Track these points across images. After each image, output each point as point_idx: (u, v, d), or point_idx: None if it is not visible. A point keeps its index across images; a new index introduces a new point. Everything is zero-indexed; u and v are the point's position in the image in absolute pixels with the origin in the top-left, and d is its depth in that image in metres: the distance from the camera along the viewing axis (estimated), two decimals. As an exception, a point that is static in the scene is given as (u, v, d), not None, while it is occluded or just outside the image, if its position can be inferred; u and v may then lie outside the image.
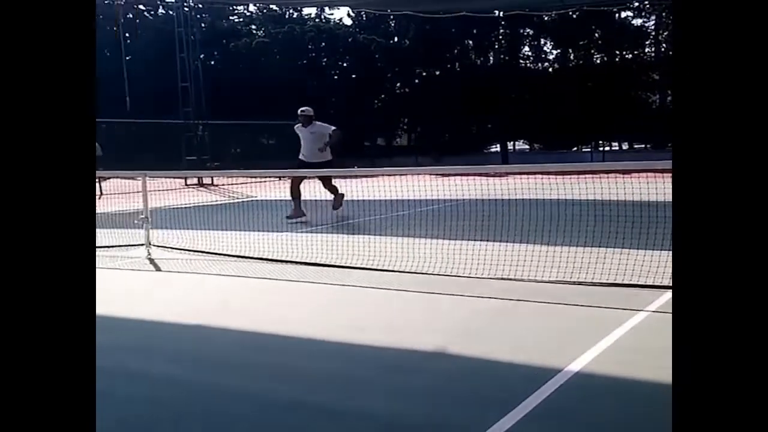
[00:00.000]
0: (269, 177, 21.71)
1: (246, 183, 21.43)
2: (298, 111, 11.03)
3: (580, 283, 5.34)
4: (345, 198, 10.64)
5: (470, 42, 35.85)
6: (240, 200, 16.43)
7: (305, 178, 10.79)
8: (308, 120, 10.83)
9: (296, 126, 11.09)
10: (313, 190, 10.95)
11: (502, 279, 5.64)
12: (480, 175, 12.79)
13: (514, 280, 5.60)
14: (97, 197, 15.55)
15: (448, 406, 3.18)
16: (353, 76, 36.93)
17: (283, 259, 7.12)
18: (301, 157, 10.84)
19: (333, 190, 10.74)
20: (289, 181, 11.27)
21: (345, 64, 37.74)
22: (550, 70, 35.58)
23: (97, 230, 9.43)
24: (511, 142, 37.90)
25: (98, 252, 8.08)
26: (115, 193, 15.39)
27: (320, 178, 10.65)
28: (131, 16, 35.48)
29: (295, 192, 10.56)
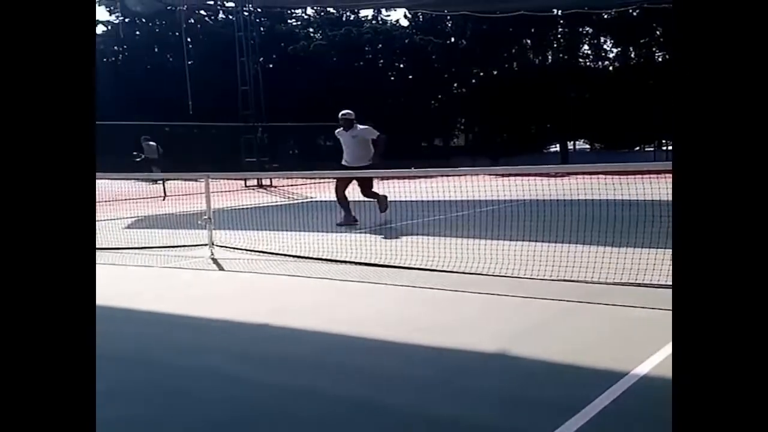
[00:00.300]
0: (327, 178, 21.89)
1: (304, 184, 21.66)
2: (339, 115, 10.63)
3: (641, 285, 5.23)
4: (404, 199, 10.57)
5: (528, 41, 35.52)
6: (298, 201, 16.63)
7: (350, 182, 10.38)
8: (350, 123, 10.45)
9: (337, 131, 10.71)
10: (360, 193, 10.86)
11: (563, 280, 5.57)
12: (539, 175, 12.63)
13: (575, 281, 5.53)
14: (161, 198, 15.95)
15: (512, 409, 3.16)
16: (410, 77, 36.99)
17: (343, 259, 7.18)
18: (344, 162, 10.51)
19: (374, 195, 10.42)
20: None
21: (401, 65, 37.83)
22: (611, 68, 34.98)
23: (163, 230, 9.69)
24: (571, 142, 37.39)
25: (164, 251, 8.29)
26: (178, 195, 15.74)
27: (360, 185, 10.30)
28: (193, 21, 36.27)
29: (342, 198, 10.27)
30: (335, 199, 10.36)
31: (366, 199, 10.42)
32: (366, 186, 10.35)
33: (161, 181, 17.95)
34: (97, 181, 14.72)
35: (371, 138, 10.38)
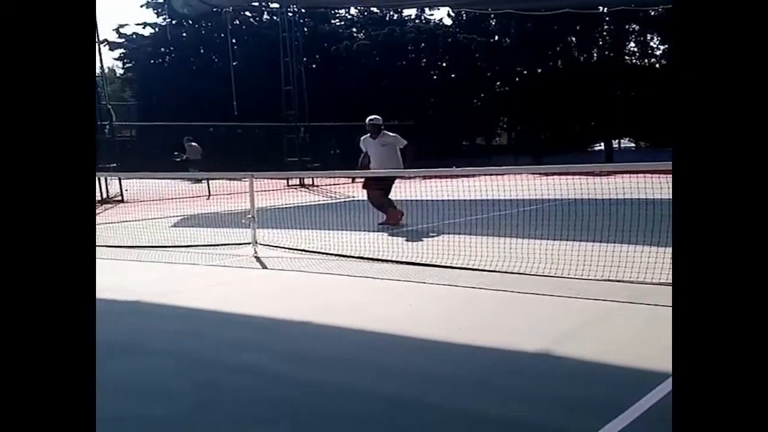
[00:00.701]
0: (367, 178, 21.91)
1: (346, 183, 21.75)
2: (367, 120, 10.16)
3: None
4: (446, 198, 10.40)
5: (573, 39, 35.06)
6: (340, 200, 16.70)
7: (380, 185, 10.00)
8: (378, 130, 10.07)
9: (363, 138, 10.24)
10: (406, 192, 10.83)
11: (607, 281, 5.50)
12: (583, 174, 12.46)
13: (619, 281, 5.45)
14: (205, 198, 16.20)
15: (554, 408, 3.14)
16: (452, 75, 36.85)
17: (385, 258, 7.19)
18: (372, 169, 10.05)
19: (388, 203, 10.01)
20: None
21: (444, 64, 37.72)
22: (657, 65, 34.30)
23: (207, 229, 9.84)
24: (616, 140, 36.81)
25: (208, 250, 8.42)
26: (222, 194, 15.97)
27: (384, 190, 9.90)
28: (238, 22, 36.69)
29: (378, 201, 10.03)
30: (372, 205, 10.14)
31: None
32: (387, 192, 9.99)
33: (205, 180, 18.29)
34: (146, 181, 14.94)
35: (399, 147, 10.04)
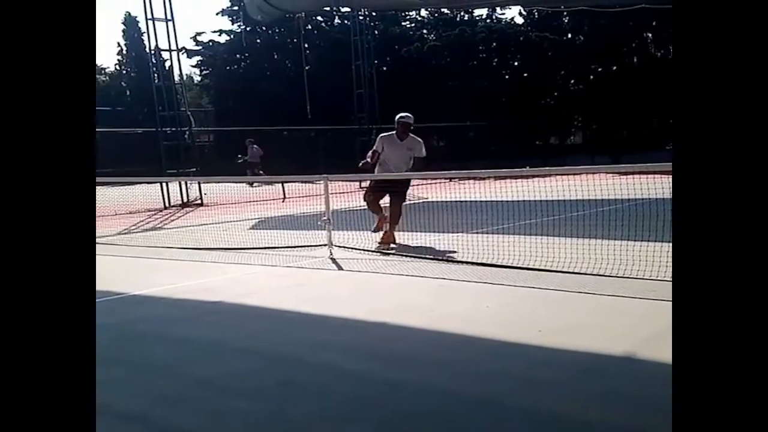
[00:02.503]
0: (440, 179, 21.89)
1: (417, 185, 21.70)
2: (399, 117, 8.69)
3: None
4: (520, 199, 10.29)
5: (649, 35, 34.14)
6: (412, 202, 16.69)
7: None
8: (408, 131, 8.66)
9: (386, 135, 8.85)
10: (479, 192, 10.74)
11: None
12: (663, 173, 12.15)
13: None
14: (281, 200, 16.49)
15: (637, 411, 3.07)
16: (525, 75, 36.38)
17: (460, 260, 7.17)
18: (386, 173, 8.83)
19: (398, 213, 8.79)
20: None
21: (516, 63, 37.28)
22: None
23: (284, 231, 10.02)
24: (696, 139, 35.65)
25: (285, 251, 8.57)
26: (297, 196, 16.20)
27: (398, 194, 8.80)
28: (310, 27, 37.22)
29: (374, 208, 8.99)
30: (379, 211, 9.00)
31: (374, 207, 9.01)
32: (401, 200, 8.92)
33: (257, 184, 18.82)
34: (223, 184, 15.23)
35: (415, 156, 8.71)
